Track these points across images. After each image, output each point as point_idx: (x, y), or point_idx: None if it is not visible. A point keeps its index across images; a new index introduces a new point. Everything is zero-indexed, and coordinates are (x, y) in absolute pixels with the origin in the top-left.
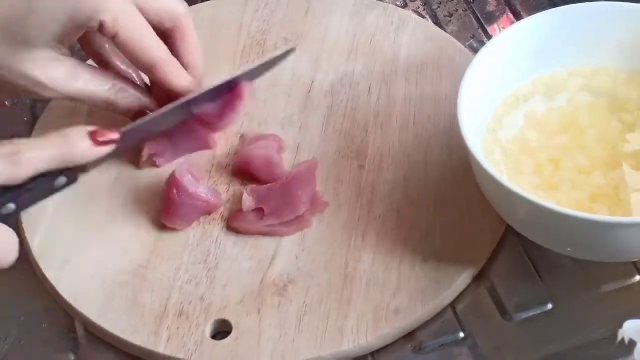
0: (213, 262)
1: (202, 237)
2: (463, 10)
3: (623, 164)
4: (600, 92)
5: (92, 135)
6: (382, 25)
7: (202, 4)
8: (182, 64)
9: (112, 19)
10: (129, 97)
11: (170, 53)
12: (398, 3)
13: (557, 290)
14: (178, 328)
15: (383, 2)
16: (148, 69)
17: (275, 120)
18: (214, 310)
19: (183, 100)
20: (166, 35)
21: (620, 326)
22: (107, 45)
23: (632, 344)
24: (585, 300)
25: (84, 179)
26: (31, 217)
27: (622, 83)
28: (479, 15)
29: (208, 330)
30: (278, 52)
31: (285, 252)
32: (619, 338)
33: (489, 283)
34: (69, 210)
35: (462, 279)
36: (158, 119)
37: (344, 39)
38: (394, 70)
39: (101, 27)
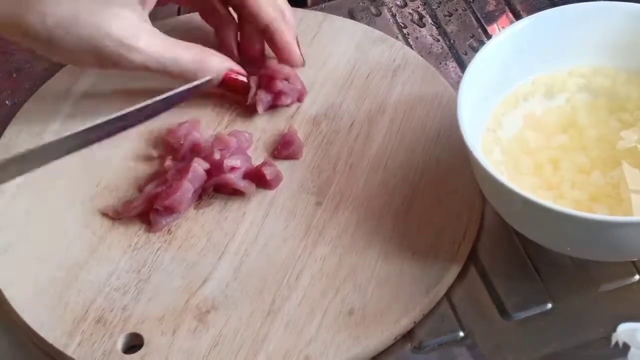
0: (146, 273)
1: (144, 246)
2: (462, 10)
3: (622, 162)
4: (599, 92)
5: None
6: (383, 61)
7: None
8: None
9: None
10: (215, 63)
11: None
12: (398, 2)
13: (556, 290)
14: (92, 334)
15: (392, 37)
16: (263, 28)
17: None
18: (131, 322)
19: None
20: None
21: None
22: None
23: (626, 347)
24: (585, 300)
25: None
26: None
27: (621, 83)
28: (478, 15)
29: (120, 342)
30: (196, 83)
31: (218, 276)
32: (613, 342)
33: (489, 282)
34: (27, 192)
35: (385, 337)
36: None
37: (342, 69)
38: (381, 110)
39: None
